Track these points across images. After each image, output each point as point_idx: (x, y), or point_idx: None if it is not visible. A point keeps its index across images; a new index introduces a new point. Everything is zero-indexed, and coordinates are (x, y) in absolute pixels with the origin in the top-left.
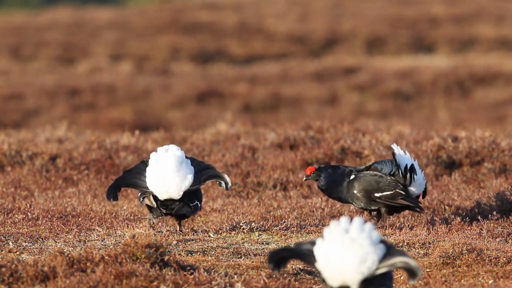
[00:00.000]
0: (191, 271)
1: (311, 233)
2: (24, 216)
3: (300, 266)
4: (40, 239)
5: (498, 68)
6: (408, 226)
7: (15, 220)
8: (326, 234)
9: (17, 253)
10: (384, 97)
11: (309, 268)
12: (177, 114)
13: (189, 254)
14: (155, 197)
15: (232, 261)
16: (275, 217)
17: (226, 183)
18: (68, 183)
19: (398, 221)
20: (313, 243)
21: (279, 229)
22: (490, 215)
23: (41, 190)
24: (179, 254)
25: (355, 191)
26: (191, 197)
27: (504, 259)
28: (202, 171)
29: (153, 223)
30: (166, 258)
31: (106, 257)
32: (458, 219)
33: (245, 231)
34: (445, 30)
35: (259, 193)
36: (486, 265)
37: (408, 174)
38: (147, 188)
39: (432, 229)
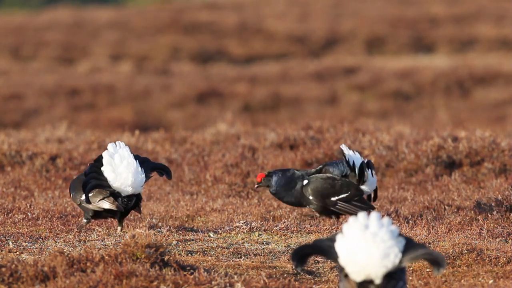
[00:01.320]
0: (191, 271)
1: (311, 233)
2: (24, 216)
3: None
4: (40, 239)
5: (498, 68)
6: (408, 226)
7: (15, 220)
8: (346, 230)
9: (17, 253)
10: (384, 97)
11: (309, 268)
12: (177, 114)
13: (189, 254)
14: (116, 196)
15: (232, 261)
16: (275, 217)
17: (168, 173)
18: (68, 183)
19: (398, 221)
20: (332, 239)
21: (279, 229)
22: (490, 215)
23: (41, 190)
24: (179, 254)
25: (310, 197)
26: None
27: (504, 259)
28: (144, 164)
29: (83, 227)
30: (166, 258)
31: (106, 257)
32: (458, 219)
33: (245, 231)
34: (445, 30)
35: (259, 193)
36: (486, 265)
37: (363, 171)
38: (110, 187)
39: (432, 229)
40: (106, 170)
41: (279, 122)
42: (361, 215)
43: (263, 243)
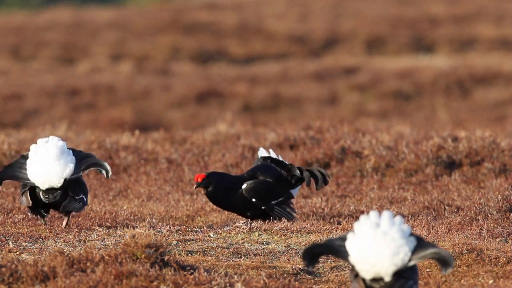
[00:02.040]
0: (191, 271)
1: (311, 233)
2: (24, 216)
3: (300, 266)
4: (40, 239)
5: (498, 68)
6: (408, 226)
7: (15, 220)
8: (357, 228)
9: (17, 253)
10: (384, 97)
11: (308, 269)
12: (177, 114)
13: (189, 254)
14: (33, 191)
15: (232, 261)
16: None
17: (107, 171)
18: None
19: None
20: (343, 238)
21: (279, 229)
22: (490, 215)
23: None
24: (179, 254)
25: (253, 199)
26: (76, 189)
27: (504, 259)
28: (83, 160)
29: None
30: (166, 258)
31: (106, 257)
32: (458, 219)
33: (245, 231)
34: (445, 30)
35: None
36: (486, 265)
37: (302, 172)
38: (28, 179)
39: (432, 229)
40: (28, 163)
41: (279, 122)
42: (373, 213)
43: (263, 243)
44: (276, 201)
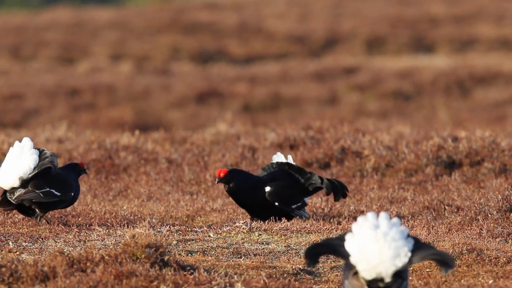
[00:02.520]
0: (191, 271)
1: (311, 233)
2: (24, 216)
3: (300, 266)
4: (40, 239)
5: (498, 68)
6: (408, 226)
7: (15, 220)
8: (356, 229)
9: (17, 253)
10: (384, 97)
11: (308, 268)
12: (177, 114)
13: (189, 254)
14: (4, 193)
15: (232, 261)
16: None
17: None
18: None
19: None
20: (341, 239)
21: (279, 229)
22: (490, 215)
23: None
24: (179, 254)
25: (276, 203)
26: (40, 184)
27: (504, 259)
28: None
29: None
30: (166, 258)
31: (106, 257)
32: (458, 219)
33: (245, 231)
34: (445, 30)
35: None
36: (486, 265)
37: (323, 181)
38: None
39: (432, 229)
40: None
41: (279, 122)
42: (370, 214)
43: (263, 243)
44: (296, 205)
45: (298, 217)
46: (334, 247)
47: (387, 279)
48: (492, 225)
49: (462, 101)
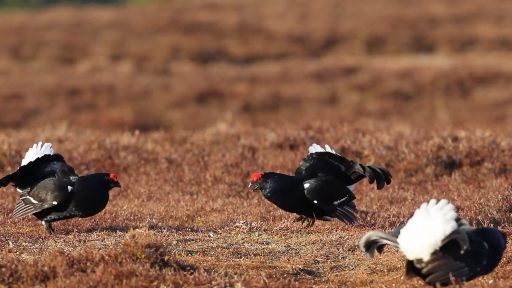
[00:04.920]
0: (191, 271)
1: (311, 233)
2: (24, 216)
3: (300, 266)
4: (40, 239)
5: (498, 68)
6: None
7: (15, 220)
8: (415, 213)
9: (17, 253)
10: (384, 97)
11: (309, 268)
12: (177, 114)
13: (189, 254)
14: None
15: (232, 261)
16: (275, 217)
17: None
18: None
19: (398, 220)
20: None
21: (279, 229)
22: (490, 215)
23: None
24: (179, 254)
25: (315, 201)
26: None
27: (504, 259)
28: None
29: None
30: (166, 258)
31: (106, 257)
32: None
33: (245, 231)
34: (445, 30)
35: (259, 193)
36: None
37: (365, 169)
38: None
39: None
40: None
41: (279, 122)
42: (432, 201)
43: (263, 243)
44: (338, 201)
45: (341, 218)
46: (387, 235)
47: (426, 258)
48: (492, 225)
49: (462, 101)
